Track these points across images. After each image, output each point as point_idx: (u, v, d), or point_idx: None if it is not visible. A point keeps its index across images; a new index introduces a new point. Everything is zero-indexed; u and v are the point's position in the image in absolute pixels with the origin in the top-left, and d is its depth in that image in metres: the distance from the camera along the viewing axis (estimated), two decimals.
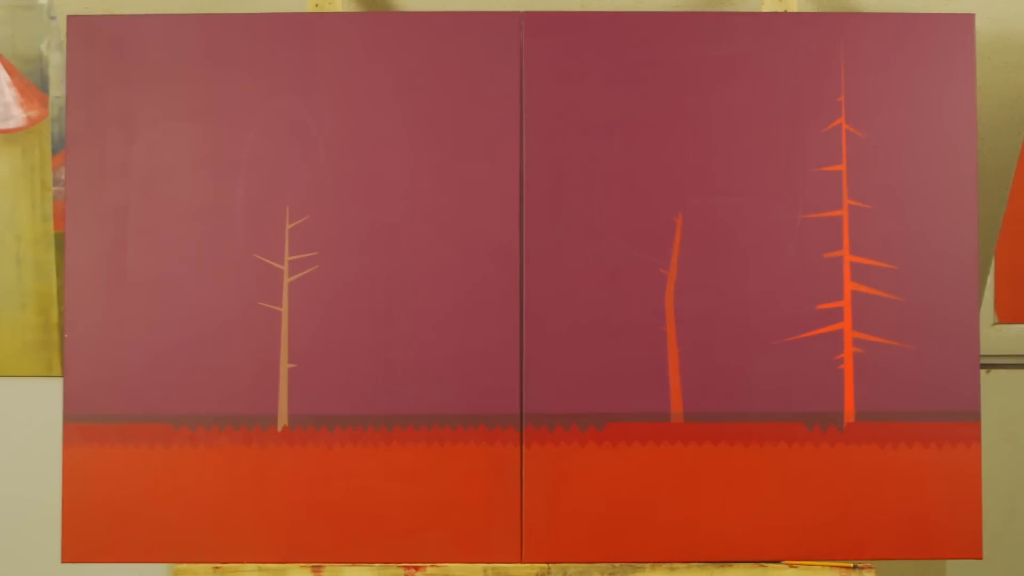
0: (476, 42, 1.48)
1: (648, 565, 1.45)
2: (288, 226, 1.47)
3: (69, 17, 1.48)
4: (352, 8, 1.67)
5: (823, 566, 1.43)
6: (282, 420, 1.46)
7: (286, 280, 1.47)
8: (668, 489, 1.46)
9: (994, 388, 2.40)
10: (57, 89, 2.37)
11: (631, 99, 1.47)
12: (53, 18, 2.37)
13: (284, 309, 1.47)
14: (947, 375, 1.46)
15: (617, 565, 1.45)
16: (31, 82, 2.39)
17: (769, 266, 1.46)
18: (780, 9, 1.55)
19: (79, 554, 1.46)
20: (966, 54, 1.47)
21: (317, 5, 1.57)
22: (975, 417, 1.46)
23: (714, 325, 1.46)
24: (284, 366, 1.47)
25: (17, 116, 2.39)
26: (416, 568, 1.45)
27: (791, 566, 1.44)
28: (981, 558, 1.45)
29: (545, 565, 1.45)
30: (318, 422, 1.46)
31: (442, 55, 1.48)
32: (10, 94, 2.38)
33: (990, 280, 2.43)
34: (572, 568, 1.45)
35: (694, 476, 1.46)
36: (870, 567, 1.43)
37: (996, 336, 2.44)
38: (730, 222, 1.47)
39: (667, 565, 1.45)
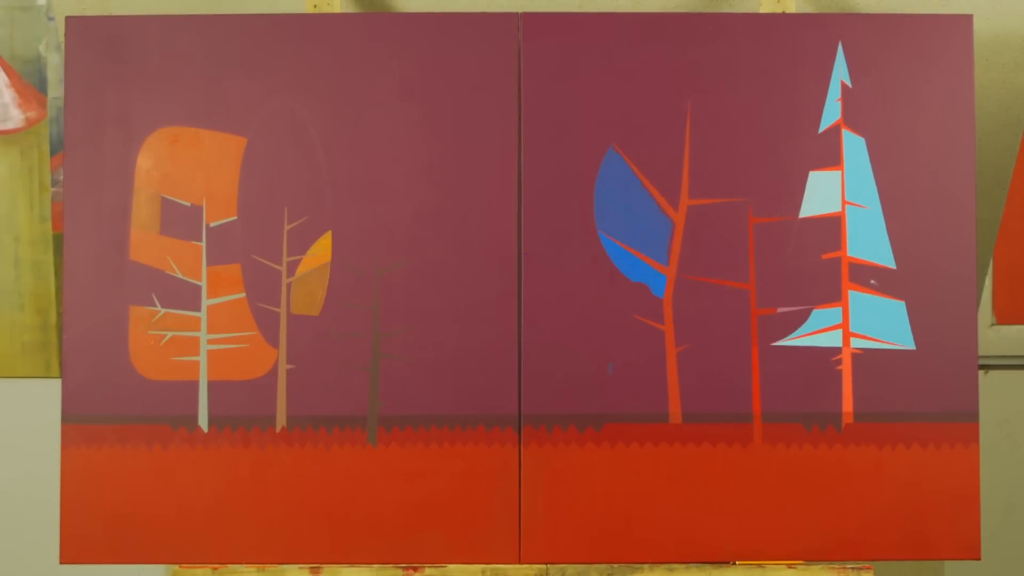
0: (474, 43, 1.48)
1: (647, 566, 1.45)
2: (287, 227, 1.47)
3: (67, 18, 1.48)
4: (350, 9, 1.67)
5: (822, 566, 1.43)
6: (280, 421, 1.46)
7: (285, 280, 1.47)
8: (666, 490, 1.46)
9: (992, 389, 2.40)
10: (55, 90, 2.37)
11: (629, 100, 1.47)
12: (51, 19, 2.36)
13: (283, 310, 1.47)
14: (945, 376, 1.46)
15: (615, 566, 1.45)
16: (29, 83, 2.39)
17: (768, 266, 1.46)
18: (778, 10, 1.55)
19: (78, 555, 1.46)
20: (964, 55, 1.47)
21: (315, 6, 1.57)
22: (973, 417, 1.46)
23: (713, 325, 1.46)
24: (283, 367, 1.46)
25: (15, 117, 2.39)
26: (414, 569, 1.45)
27: (789, 566, 1.44)
28: (979, 559, 1.45)
29: (543, 566, 1.45)
30: (316, 423, 1.46)
31: (440, 56, 1.48)
32: (8, 95, 2.38)
33: (988, 281, 2.44)
34: (570, 569, 1.45)
35: (693, 477, 1.46)
36: (868, 567, 1.43)
37: (994, 337, 2.44)
38: (729, 222, 1.47)
39: (665, 566, 1.44)
